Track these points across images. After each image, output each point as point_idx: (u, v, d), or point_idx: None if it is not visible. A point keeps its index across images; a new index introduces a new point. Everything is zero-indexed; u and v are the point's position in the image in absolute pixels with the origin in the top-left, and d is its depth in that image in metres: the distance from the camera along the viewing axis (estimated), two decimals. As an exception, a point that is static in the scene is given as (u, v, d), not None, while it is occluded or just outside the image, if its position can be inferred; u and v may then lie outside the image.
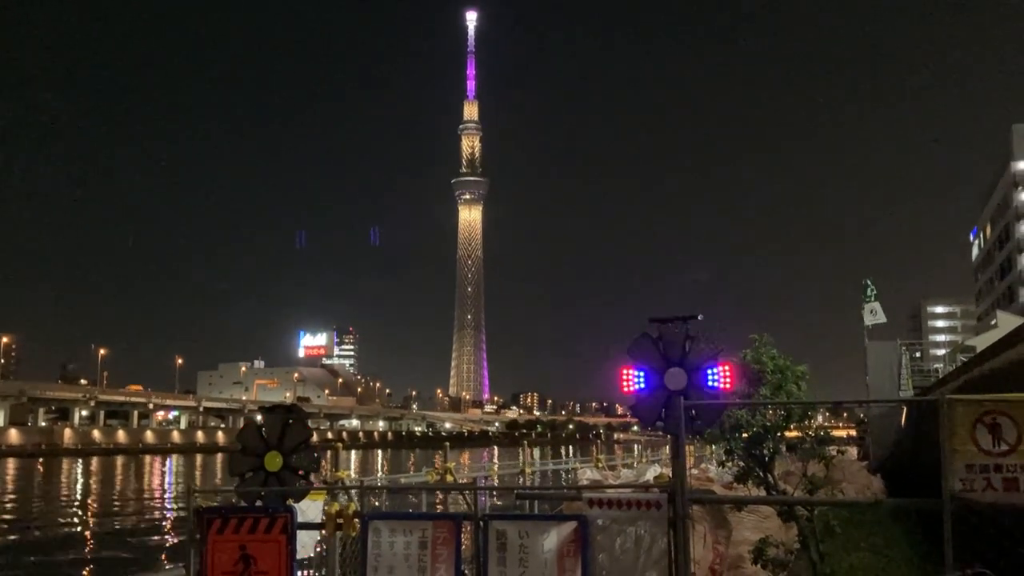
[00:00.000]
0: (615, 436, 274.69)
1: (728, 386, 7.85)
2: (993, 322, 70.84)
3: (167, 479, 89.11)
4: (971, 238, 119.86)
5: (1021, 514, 7.01)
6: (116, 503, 58.35)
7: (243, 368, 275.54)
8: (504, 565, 7.69)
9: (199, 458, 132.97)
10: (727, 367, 7.88)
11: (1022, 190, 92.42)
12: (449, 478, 20.20)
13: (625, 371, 8.05)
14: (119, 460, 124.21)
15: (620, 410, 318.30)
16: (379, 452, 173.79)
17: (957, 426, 6.57)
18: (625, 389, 8.07)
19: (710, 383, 7.79)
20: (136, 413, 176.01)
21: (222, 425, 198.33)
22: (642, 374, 8.01)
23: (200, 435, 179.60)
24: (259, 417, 9.25)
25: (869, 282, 57.68)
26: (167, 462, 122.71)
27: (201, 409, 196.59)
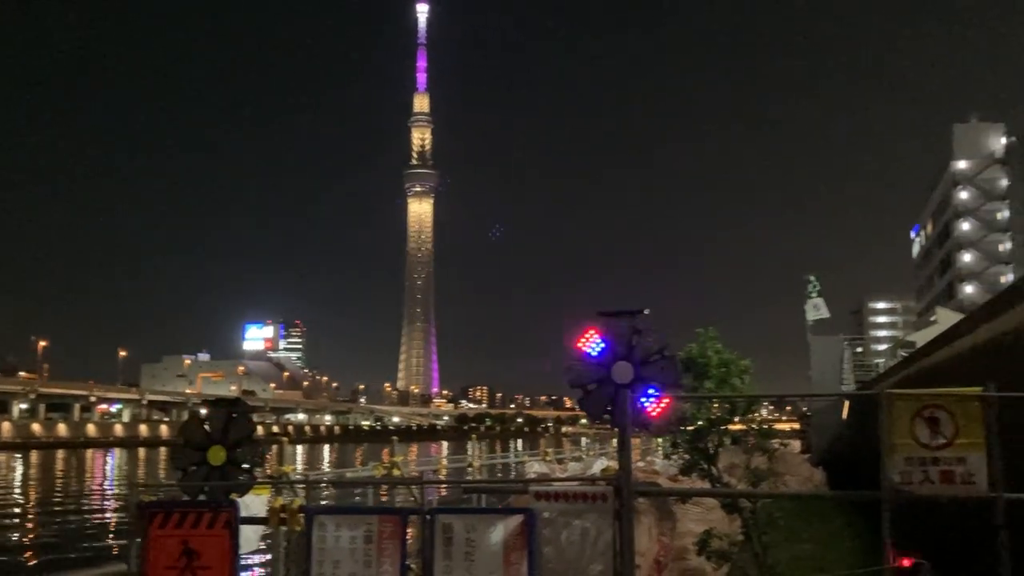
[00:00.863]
0: (563, 429, 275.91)
1: (656, 415, 7.87)
2: (933, 318, 72.41)
3: (109, 473, 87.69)
4: (912, 235, 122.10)
5: (959, 507, 7.17)
6: (57, 497, 57.27)
7: (187, 361, 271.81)
8: (450, 559, 7.67)
9: (142, 452, 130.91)
10: (666, 402, 7.90)
11: (962, 189, 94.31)
12: (396, 472, 20.14)
13: (589, 332, 8.02)
14: (60, 454, 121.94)
15: (569, 403, 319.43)
16: (326, 446, 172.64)
17: (896, 420, 6.68)
18: (582, 347, 8.03)
19: (642, 402, 7.81)
20: (78, 406, 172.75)
21: (165, 418, 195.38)
22: (600, 341, 8.00)
23: (143, 428, 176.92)
24: (203, 411, 9.13)
25: (813, 278, 58.69)
26: (109, 456, 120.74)
27: (144, 402, 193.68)
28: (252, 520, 9.05)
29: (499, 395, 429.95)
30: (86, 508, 50.38)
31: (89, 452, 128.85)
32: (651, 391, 7.83)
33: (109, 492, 62.33)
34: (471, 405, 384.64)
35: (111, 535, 36.62)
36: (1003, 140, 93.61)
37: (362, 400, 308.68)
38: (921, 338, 49.76)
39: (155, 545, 8.27)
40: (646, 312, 8.02)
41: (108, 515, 46.43)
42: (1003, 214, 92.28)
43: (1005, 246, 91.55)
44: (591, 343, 8.02)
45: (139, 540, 8.31)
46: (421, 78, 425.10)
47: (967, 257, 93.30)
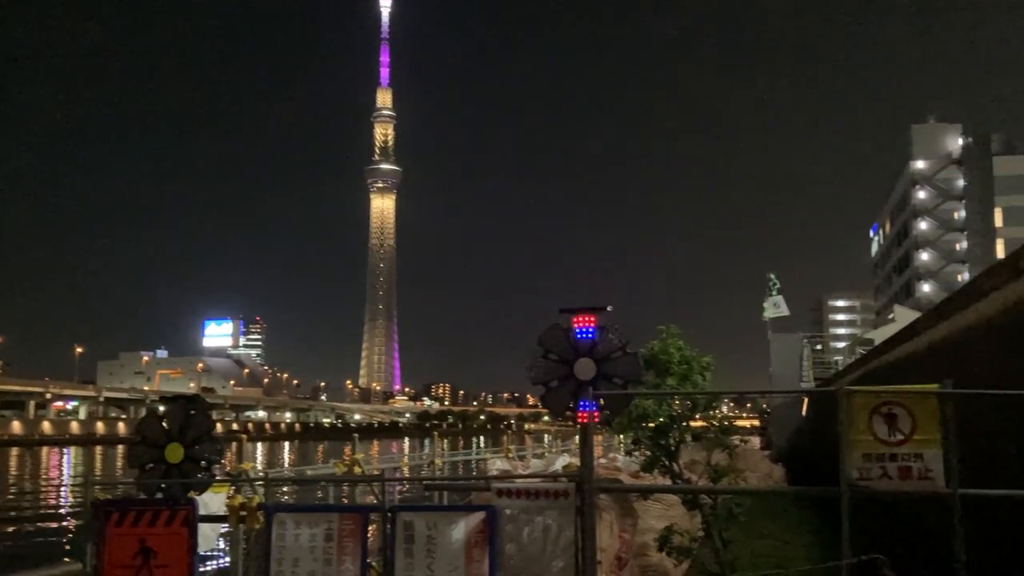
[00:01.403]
0: (526, 426, 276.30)
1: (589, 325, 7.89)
2: (891, 316, 73.37)
3: (65, 471, 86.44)
4: (871, 234, 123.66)
5: (915, 502, 7.24)
6: (11, 496, 56.37)
7: (145, 358, 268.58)
8: (412, 557, 7.64)
9: (99, 450, 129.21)
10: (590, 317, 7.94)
11: (920, 188, 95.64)
12: (357, 470, 19.97)
13: (583, 317, 8.00)
14: (14, 452, 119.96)
15: (531, 400, 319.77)
16: (286, 444, 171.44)
17: (855, 416, 6.74)
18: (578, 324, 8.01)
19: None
20: (33, 404, 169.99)
21: (123, 416, 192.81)
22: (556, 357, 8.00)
23: (100, 426, 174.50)
24: (161, 408, 9.02)
25: (772, 276, 59.11)
26: (65, 454, 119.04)
27: (101, 399, 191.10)
28: (211, 518, 8.96)
29: (461, 392, 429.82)
30: (41, 507, 49.67)
31: (45, 450, 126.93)
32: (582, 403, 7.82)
33: (65, 490, 61.43)
34: (433, 402, 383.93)
35: (67, 534, 36.07)
36: (960, 141, 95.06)
37: (323, 397, 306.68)
38: (879, 336, 50.37)
39: (111, 544, 8.16)
40: (609, 309, 8.03)
41: (64, 514, 45.76)
42: (960, 214, 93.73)
43: (962, 245, 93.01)
44: (587, 326, 7.99)
45: (95, 539, 8.19)
46: (384, 73, 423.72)
47: (925, 256, 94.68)
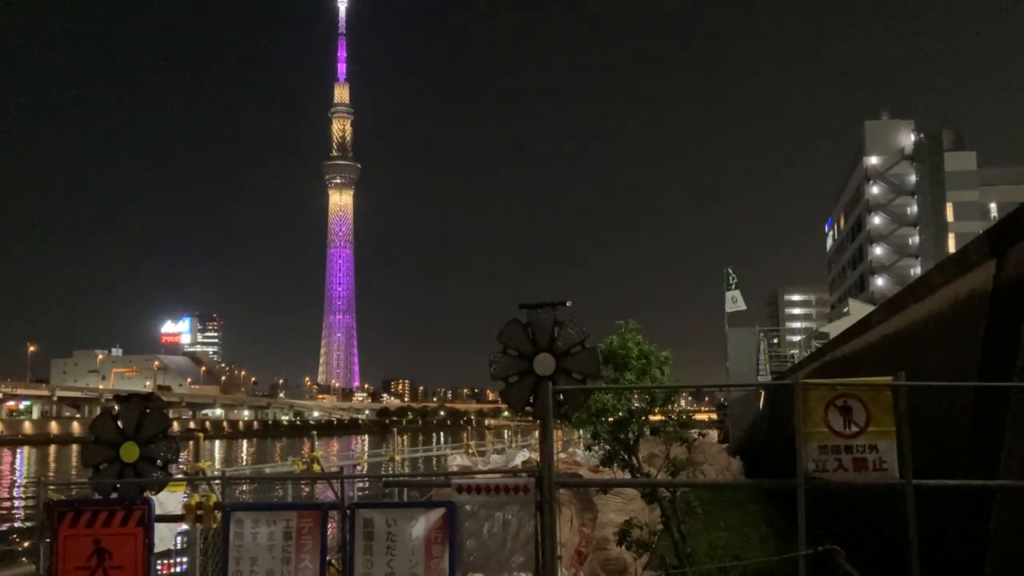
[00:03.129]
0: (486, 422, 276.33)
1: None
2: (845, 310, 74.32)
3: (18, 471, 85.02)
4: (826, 229, 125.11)
5: (870, 493, 7.35)
6: (-39, 498, 55.34)
7: (100, 356, 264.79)
8: (371, 554, 7.61)
9: (52, 449, 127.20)
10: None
11: (873, 184, 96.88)
12: (316, 467, 19.88)
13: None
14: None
15: (491, 396, 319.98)
16: (244, 442, 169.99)
17: (811, 409, 6.81)
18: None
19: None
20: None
21: (77, 415, 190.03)
22: (512, 358, 8.05)
23: (54, 425, 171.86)
24: (116, 407, 8.90)
25: (730, 270, 59.69)
26: (18, 454, 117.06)
27: (55, 398, 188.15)
28: (167, 518, 8.86)
29: (421, 388, 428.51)
30: (-7, 508, 48.76)
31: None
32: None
33: (18, 491, 60.41)
34: (392, 399, 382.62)
35: (20, 535, 35.48)
36: (913, 137, 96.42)
37: (281, 395, 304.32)
38: (834, 329, 51.04)
39: (65, 545, 8.04)
40: (568, 304, 8.05)
41: (17, 515, 45.00)
42: (912, 209, 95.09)
43: (914, 240, 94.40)
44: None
45: (48, 540, 8.07)
46: (341, 68, 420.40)
47: (878, 250, 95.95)
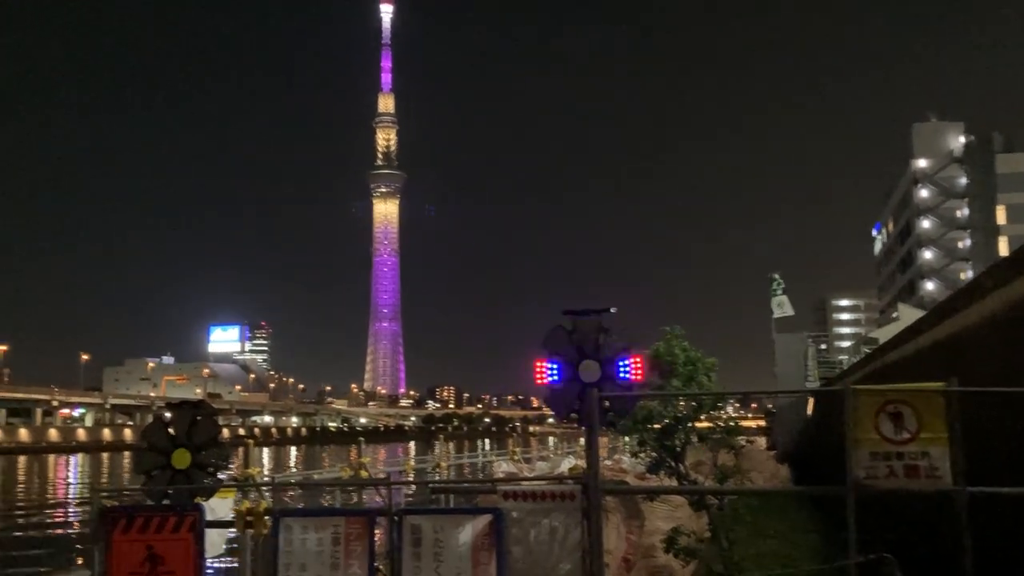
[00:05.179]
0: (531, 429, 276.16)
1: (639, 377, 7.94)
2: (895, 315, 73.29)
3: (72, 478, 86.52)
4: (874, 233, 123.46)
5: (922, 501, 7.25)
6: (19, 503, 56.43)
7: (151, 364, 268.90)
8: (419, 560, 7.65)
9: (106, 456, 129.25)
10: (638, 359, 7.97)
11: (922, 187, 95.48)
12: (363, 474, 20.00)
13: (539, 364, 8.09)
14: (21, 459, 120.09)
15: (536, 403, 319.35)
16: (292, 448, 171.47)
17: (861, 415, 6.74)
18: (539, 381, 8.11)
19: (621, 374, 7.87)
20: (39, 411, 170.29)
21: (129, 422, 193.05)
22: (555, 367, 8.05)
23: (106, 433, 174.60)
24: (167, 414, 9.04)
25: (776, 276, 59.07)
26: (72, 461, 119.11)
27: (107, 406, 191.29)
28: (218, 524, 8.97)
29: (466, 395, 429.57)
30: (48, 514, 49.66)
31: (51, 457, 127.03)
32: (623, 362, 7.89)
33: (72, 498, 61.47)
34: (437, 405, 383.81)
35: (74, 541, 36.10)
36: (962, 139, 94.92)
37: (337, 403, 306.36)
38: (883, 334, 50.34)
39: (118, 551, 8.17)
40: (612, 311, 8.05)
41: (71, 521, 45.79)
42: (962, 212, 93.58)
43: (965, 243, 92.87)
44: (546, 373, 8.08)
45: (102, 546, 8.20)
46: (386, 78, 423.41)
47: (928, 254, 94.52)
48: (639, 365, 7.96)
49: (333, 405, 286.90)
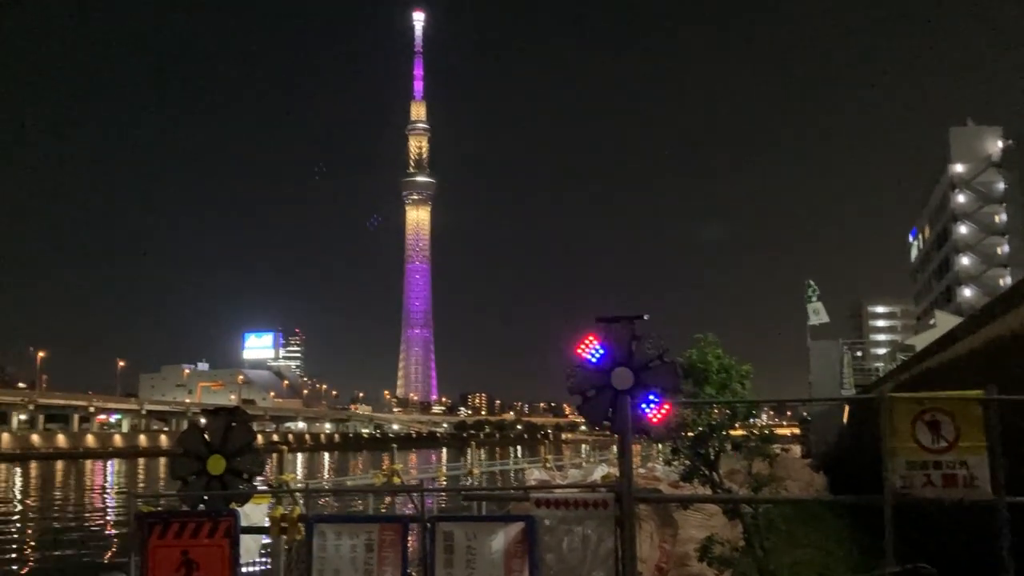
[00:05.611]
0: (563, 436, 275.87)
1: (657, 421, 7.87)
2: (932, 322, 72.37)
3: (108, 483, 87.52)
4: (910, 239, 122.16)
5: (959, 510, 7.15)
6: (56, 508, 57.12)
7: (186, 370, 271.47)
8: (451, 567, 7.65)
9: (141, 462, 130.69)
10: (667, 407, 7.90)
11: (959, 192, 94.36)
12: (396, 480, 20.07)
13: (588, 338, 8.02)
14: (59, 464, 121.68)
15: (568, 410, 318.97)
16: (325, 454, 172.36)
17: (897, 424, 6.67)
18: (579, 353, 8.04)
19: (644, 409, 7.81)
20: (76, 417, 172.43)
21: (165, 428, 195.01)
22: (603, 350, 8.00)
23: (142, 438, 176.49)
24: (202, 420, 9.12)
25: (811, 283, 58.61)
26: (108, 466, 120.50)
27: (143, 412, 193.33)
28: (252, 529, 9.04)
29: (498, 402, 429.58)
30: (85, 519, 50.25)
31: (88, 463, 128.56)
32: (652, 397, 7.83)
33: (108, 503, 62.18)
34: (469, 412, 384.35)
35: (111, 546, 36.51)
36: (1000, 143, 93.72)
37: (361, 407, 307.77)
38: (920, 342, 49.77)
39: (154, 556, 8.25)
40: (645, 317, 8.01)
41: (108, 526, 46.32)
42: (1001, 217, 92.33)
43: (1003, 249, 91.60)
44: (590, 349, 8.02)
45: (139, 550, 8.29)
46: (418, 86, 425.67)
47: (965, 260, 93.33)
48: (663, 412, 7.90)
49: (357, 410, 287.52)
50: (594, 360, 7.99)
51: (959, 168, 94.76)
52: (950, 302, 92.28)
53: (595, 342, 8.01)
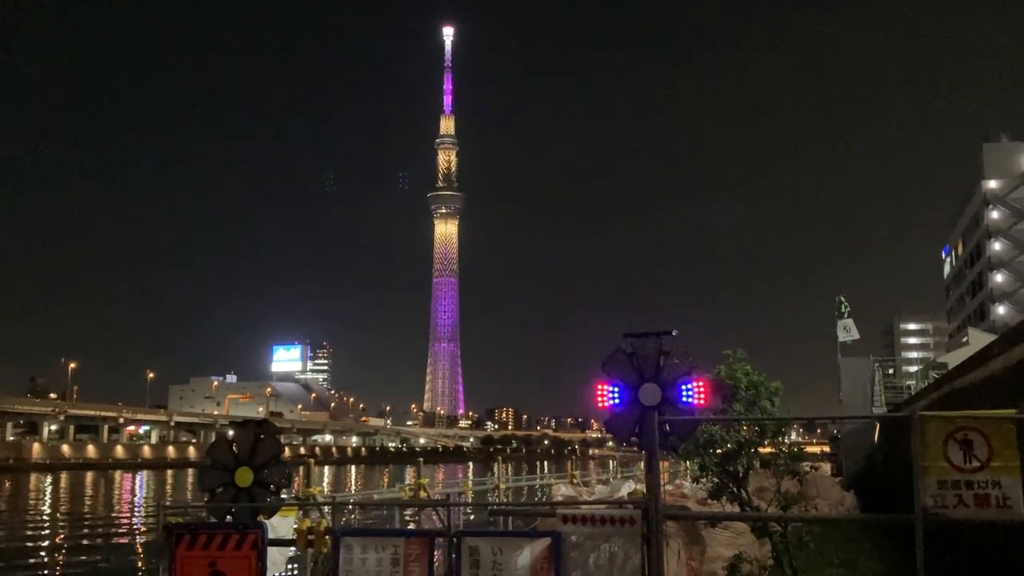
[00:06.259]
0: (590, 452, 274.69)
1: (702, 402, 7.85)
2: (965, 339, 71.54)
3: (137, 494, 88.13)
4: (943, 255, 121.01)
5: (992, 531, 7.04)
6: (86, 518, 57.61)
7: (215, 383, 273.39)
8: (477, 582, 7.64)
9: (170, 473, 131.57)
10: (701, 383, 7.88)
11: (993, 208, 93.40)
12: (423, 494, 20.06)
13: (600, 386, 8.05)
14: (88, 475, 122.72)
15: (595, 426, 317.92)
16: (352, 468, 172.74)
17: (929, 443, 6.59)
18: (600, 404, 8.06)
19: (684, 399, 7.79)
20: (106, 427, 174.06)
21: (193, 440, 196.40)
22: (616, 390, 8.00)
23: (171, 450, 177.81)
24: (230, 432, 9.17)
25: (842, 299, 58.15)
26: (137, 477, 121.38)
27: (172, 424, 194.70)
28: (279, 542, 9.07)
29: (525, 417, 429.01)
30: (114, 530, 50.61)
31: (117, 474, 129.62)
32: (685, 384, 7.81)
33: (137, 514, 62.61)
34: (496, 427, 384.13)
35: (139, 557, 36.74)
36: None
37: (388, 421, 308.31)
38: (953, 359, 49.20)
39: (182, 566, 8.30)
40: (674, 333, 7.97)
41: (136, 537, 46.62)
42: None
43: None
44: (608, 397, 8.03)
45: (167, 561, 8.34)
46: (447, 100, 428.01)
47: (999, 277, 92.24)
48: (703, 389, 7.87)
49: (368, 422, 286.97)
50: (617, 403, 8.00)
51: (993, 184, 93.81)
52: (984, 319, 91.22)
53: (606, 388, 8.04)
